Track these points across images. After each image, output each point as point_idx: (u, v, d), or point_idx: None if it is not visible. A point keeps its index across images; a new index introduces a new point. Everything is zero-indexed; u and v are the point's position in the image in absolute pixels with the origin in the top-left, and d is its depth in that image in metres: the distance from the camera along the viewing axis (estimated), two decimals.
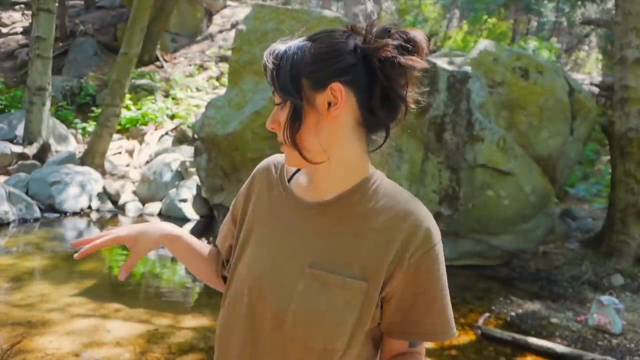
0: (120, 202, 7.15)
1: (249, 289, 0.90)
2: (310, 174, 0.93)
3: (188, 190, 6.99)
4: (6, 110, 9.34)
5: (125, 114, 9.37)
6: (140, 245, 1.04)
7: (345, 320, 0.84)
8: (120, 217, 6.82)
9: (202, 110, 7.45)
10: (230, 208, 1.08)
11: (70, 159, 7.48)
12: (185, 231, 1.12)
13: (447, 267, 0.88)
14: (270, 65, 0.85)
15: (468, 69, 5.13)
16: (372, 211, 0.87)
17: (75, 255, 1.00)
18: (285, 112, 0.85)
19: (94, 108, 10.09)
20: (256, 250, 0.94)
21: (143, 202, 7.23)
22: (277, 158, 1.03)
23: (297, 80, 0.83)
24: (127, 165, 8.47)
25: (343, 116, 0.84)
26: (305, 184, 0.95)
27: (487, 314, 3.94)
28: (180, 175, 7.44)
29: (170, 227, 1.09)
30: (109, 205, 7.04)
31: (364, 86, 0.83)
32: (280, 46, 0.86)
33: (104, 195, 7.11)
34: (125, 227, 1.05)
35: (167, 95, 11.03)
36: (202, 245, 1.13)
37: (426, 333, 0.87)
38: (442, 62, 5.25)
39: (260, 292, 0.89)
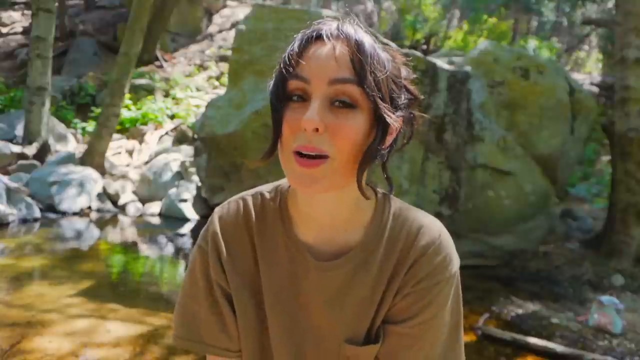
0: (120, 202, 7.15)
1: None
2: (317, 212, 0.75)
3: (188, 190, 6.99)
4: (6, 110, 9.34)
5: (125, 114, 9.37)
6: None
7: None
8: (120, 217, 6.81)
9: (202, 110, 7.45)
10: (206, 289, 0.80)
11: (70, 159, 7.47)
12: None
13: None
14: (369, 49, 0.66)
15: (468, 69, 5.13)
16: (387, 251, 0.76)
17: None
18: (359, 121, 0.66)
19: (93, 108, 10.09)
20: (278, 341, 0.78)
21: (143, 202, 7.22)
22: (245, 199, 0.81)
23: (391, 91, 0.69)
24: (127, 165, 8.46)
25: None
26: (306, 224, 0.77)
27: (487, 315, 3.94)
28: (180, 175, 7.44)
29: None
30: (108, 205, 7.03)
31: None
32: (365, 31, 0.69)
33: (104, 195, 7.11)
34: None
35: (167, 95, 11.03)
36: None
37: None
38: (442, 62, 5.25)
39: None
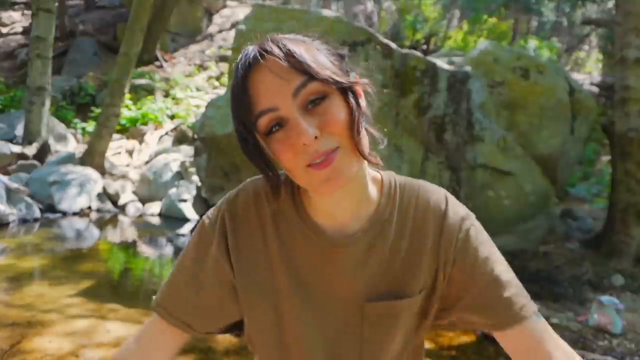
0: (120, 202, 7.15)
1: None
2: (331, 197, 0.77)
3: (188, 190, 6.99)
4: (6, 110, 9.34)
5: (125, 114, 9.37)
6: None
7: (408, 341, 0.83)
8: (120, 217, 6.81)
9: (202, 110, 7.45)
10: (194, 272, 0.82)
11: (70, 159, 7.48)
12: None
13: None
14: (296, 48, 0.68)
15: (468, 69, 5.13)
16: (402, 217, 0.81)
17: None
18: (337, 104, 0.68)
19: (93, 108, 10.09)
20: (296, 314, 0.80)
21: (143, 202, 7.22)
22: (256, 184, 0.84)
23: (335, 65, 0.71)
24: (127, 165, 8.47)
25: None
26: (320, 207, 0.79)
27: None
28: (180, 175, 7.44)
29: None
30: (108, 205, 7.03)
31: None
32: (279, 39, 0.71)
33: (104, 195, 7.11)
34: None
35: (167, 95, 11.04)
36: None
37: (523, 305, 0.81)
38: (442, 62, 5.25)
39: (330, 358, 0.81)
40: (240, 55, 0.71)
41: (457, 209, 0.82)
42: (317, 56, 0.69)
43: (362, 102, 0.73)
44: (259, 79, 0.68)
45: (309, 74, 0.66)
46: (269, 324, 0.81)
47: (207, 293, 0.81)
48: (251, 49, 0.70)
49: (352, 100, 0.69)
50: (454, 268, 0.80)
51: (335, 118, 0.67)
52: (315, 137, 0.66)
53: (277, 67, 0.67)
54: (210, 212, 0.84)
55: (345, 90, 0.69)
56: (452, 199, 0.83)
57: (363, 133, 0.71)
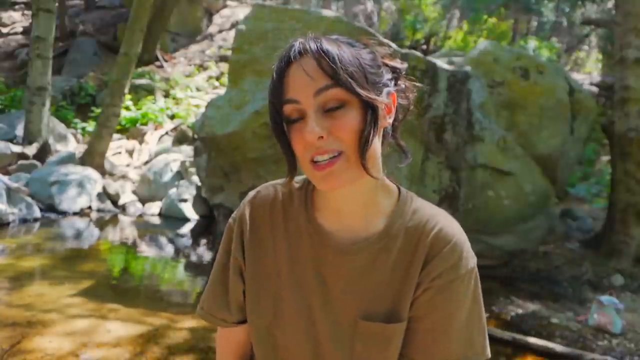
0: (120, 202, 7.15)
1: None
2: (336, 200, 0.81)
3: (188, 190, 6.99)
4: (6, 110, 9.34)
5: (125, 114, 9.37)
6: None
7: None
8: (120, 217, 6.82)
9: (202, 110, 7.45)
10: (224, 259, 0.90)
11: (70, 159, 7.48)
12: None
13: None
14: (332, 53, 0.72)
15: (468, 69, 5.13)
16: (408, 238, 0.80)
17: None
18: (353, 115, 0.72)
19: (93, 108, 10.09)
20: (294, 310, 0.83)
21: (143, 202, 7.23)
22: (274, 187, 0.89)
23: (368, 78, 0.74)
24: (127, 165, 8.47)
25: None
26: (327, 210, 0.83)
27: (487, 315, 3.94)
28: (180, 175, 7.44)
29: None
30: (108, 205, 7.03)
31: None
32: (326, 39, 0.75)
33: (104, 195, 7.11)
34: None
35: (167, 95, 11.04)
36: None
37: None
38: (442, 62, 5.25)
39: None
40: (288, 45, 0.76)
41: (457, 254, 0.79)
42: (353, 64, 0.72)
43: (388, 119, 0.78)
44: (293, 72, 0.74)
45: (334, 79, 0.71)
46: (265, 322, 0.84)
47: (233, 286, 0.88)
48: (297, 44, 0.75)
49: (369, 116, 0.73)
50: (419, 299, 0.79)
51: (346, 126, 0.72)
52: (321, 137, 0.71)
53: (310, 66, 0.72)
54: (233, 214, 0.91)
55: (367, 104, 0.73)
56: (459, 240, 0.80)
57: (375, 146, 0.75)
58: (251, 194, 0.90)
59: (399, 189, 0.85)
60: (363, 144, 0.72)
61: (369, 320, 0.79)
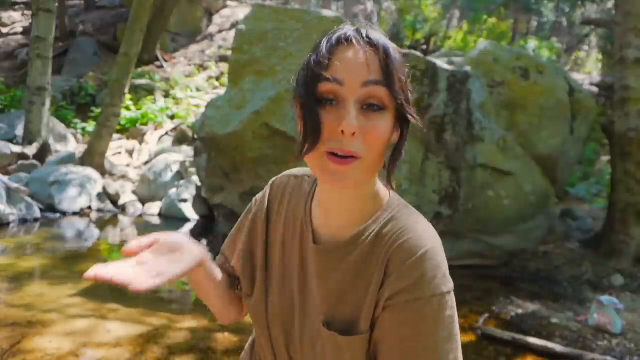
0: (120, 202, 7.15)
1: (274, 338, 0.85)
2: (329, 200, 0.79)
3: (188, 190, 6.99)
4: (6, 110, 9.34)
5: (125, 114, 9.37)
6: (187, 255, 0.77)
7: None
8: (120, 217, 6.82)
9: (202, 110, 7.45)
10: (245, 229, 0.93)
11: (70, 159, 7.48)
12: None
13: (448, 267, 0.74)
14: (391, 52, 0.69)
15: (468, 69, 5.13)
16: (377, 244, 0.75)
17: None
18: (387, 123, 0.70)
19: (93, 108, 10.09)
20: (278, 293, 0.85)
21: (143, 202, 7.22)
22: (289, 178, 0.91)
23: (408, 89, 0.72)
24: (127, 165, 8.46)
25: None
26: (319, 207, 0.82)
27: (487, 315, 3.94)
28: (180, 175, 7.44)
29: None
30: (108, 205, 7.03)
31: None
32: (384, 33, 0.72)
33: (104, 195, 7.11)
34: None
35: (167, 95, 11.03)
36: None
37: None
38: (442, 62, 5.25)
39: (286, 344, 0.84)
40: (340, 26, 0.72)
41: (421, 271, 0.69)
42: (402, 72, 0.71)
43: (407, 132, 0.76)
44: (344, 52, 0.69)
45: (387, 79, 0.68)
46: (260, 295, 0.87)
47: (243, 235, 0.92)
48: (351, 28, 0.71)
49: (404, 130, 0.73)
50: (380, 318, 0.73)
51: (380, 132, 0.68)
52: (353, 134, 0.66)
53: (369, 54, 0.68)
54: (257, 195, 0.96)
55: (402, 116, 0.71)
56: (430, 256, 0.70)
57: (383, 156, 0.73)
58: (274, 179, 0.94)
59: (389, 196, 0.81)
60: (396, 159, 0.71)
61: (328, 327, 0.75)
